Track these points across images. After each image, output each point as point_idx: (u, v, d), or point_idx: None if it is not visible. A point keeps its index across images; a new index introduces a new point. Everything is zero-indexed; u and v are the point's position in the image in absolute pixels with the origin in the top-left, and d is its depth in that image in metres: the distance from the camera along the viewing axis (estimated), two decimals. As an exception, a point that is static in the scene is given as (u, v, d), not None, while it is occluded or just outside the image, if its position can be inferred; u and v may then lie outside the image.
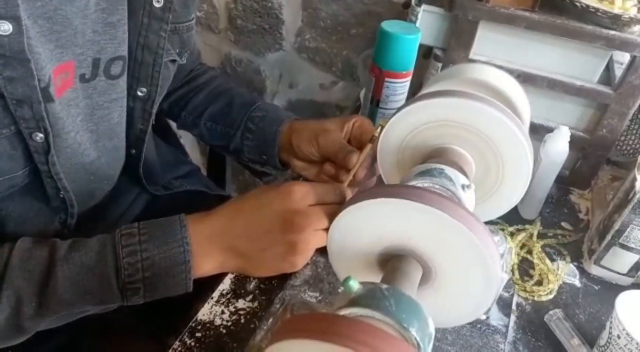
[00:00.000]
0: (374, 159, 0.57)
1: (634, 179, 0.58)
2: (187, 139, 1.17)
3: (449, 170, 0.46)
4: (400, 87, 0.72)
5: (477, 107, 0.46)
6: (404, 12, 0.85)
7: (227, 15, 1.27)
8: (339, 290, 0.57)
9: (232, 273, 0.57)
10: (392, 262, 0.41)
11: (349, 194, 0.49)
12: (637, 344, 0.46)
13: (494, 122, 0.46)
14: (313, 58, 1.23)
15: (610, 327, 0.50)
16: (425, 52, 0.85)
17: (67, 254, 0.45)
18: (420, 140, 0.51)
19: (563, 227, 0.72)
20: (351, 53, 1.18)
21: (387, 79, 0.70)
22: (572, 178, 0.80)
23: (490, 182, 0.51)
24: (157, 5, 0.53)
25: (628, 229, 0.58)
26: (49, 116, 0.45)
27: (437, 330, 0.52)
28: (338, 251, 0.45)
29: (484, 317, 0.54)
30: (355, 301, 0.35)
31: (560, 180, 0.78)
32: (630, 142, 0.83)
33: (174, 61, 0.61)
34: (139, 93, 0.57)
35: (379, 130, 0.53)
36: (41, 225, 0.54)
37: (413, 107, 0.49)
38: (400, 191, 0.40)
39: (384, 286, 0.36)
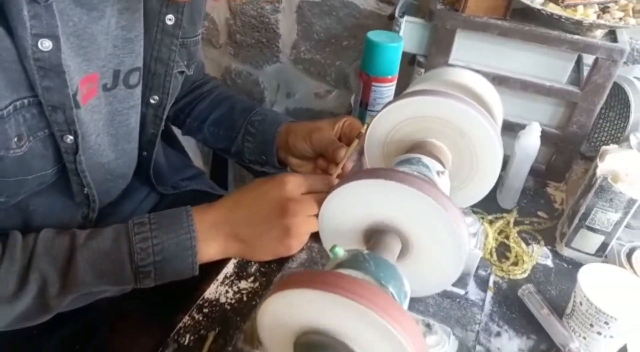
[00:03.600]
0: (361, 153, 0.63)
1: (596, 166, 0.64)
2: (190, 148, 1.23)
3: (426, 159, 0.52)
4: (387, 90, 0.78)
5: (452, 104, 0.52)
6: (391, 24, 0.92)
7: (227, 30, 1.34)
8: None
9: (235, 258, 0.63)
10: (375, 236, 0.47)
11: None
12: (596, 308, 0.52)
13: (466, 117, 0.52)
14: (308, 69, 1.30)
15: (574, 296, 0.55)
16: (410, 60, 0.91)
17: (86, 241, 0.50)
18: (403, 135, 0.56)
19: (539, 215, 0.78)
20: (344, 63, 1.24)
21: (374, 84, 0.77)
22: (548, 172, 0.86)
23: (465, 171, 0.56)
24: (169, 22, 0.59)
25: (592, 212, 0.64)
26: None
27: (420, 302, 0.58)
28: (328, 229, 0.51)
29: (462, 292, 0.60)
30: (340, 264, 0.41)
31: (537, 174, 0.84)
32: (602, 138, 0.90)
33: (182, 72, 0.67)
34: (152, 100, 0.64)
35: (365, 127, 0.59)
36: (65, 219, 0.59)
37: (395, 105, 0.55)
38: (381, 173, 0.46)
39: (365, 252, 0.42)
